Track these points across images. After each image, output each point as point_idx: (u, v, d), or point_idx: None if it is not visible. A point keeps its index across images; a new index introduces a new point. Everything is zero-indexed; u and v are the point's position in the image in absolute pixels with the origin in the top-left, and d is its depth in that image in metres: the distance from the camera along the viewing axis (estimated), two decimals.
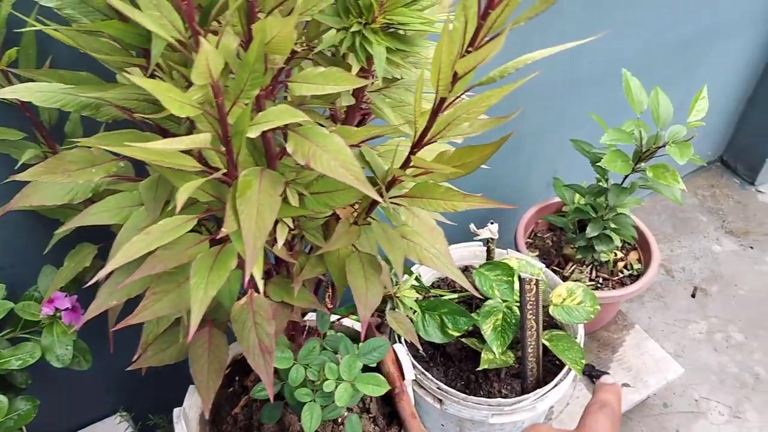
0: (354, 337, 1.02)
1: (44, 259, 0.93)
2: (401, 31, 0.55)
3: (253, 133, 0.50)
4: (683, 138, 1.07)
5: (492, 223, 1.09)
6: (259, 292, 0.70)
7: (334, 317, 1.09)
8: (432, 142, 0.56)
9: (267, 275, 0.78)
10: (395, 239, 0.65)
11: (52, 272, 0.92)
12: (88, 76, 0.67)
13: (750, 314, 1.73)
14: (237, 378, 1.11)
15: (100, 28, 0.54)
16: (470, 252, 1.30)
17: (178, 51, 0.49)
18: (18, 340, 0.89)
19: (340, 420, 0.95)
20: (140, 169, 0.73)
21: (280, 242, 0.66)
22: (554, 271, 1.41)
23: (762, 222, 1.99)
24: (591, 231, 1.25)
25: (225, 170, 0.57)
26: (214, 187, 0.61)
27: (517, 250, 1.35)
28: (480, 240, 1.11)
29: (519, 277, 0.94)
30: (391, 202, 0.64)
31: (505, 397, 1.12)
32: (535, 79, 1.50)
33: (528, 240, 1.49)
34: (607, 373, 1.44)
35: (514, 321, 1.06)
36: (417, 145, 0.57)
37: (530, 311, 1.00)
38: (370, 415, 1.05)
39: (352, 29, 0.53)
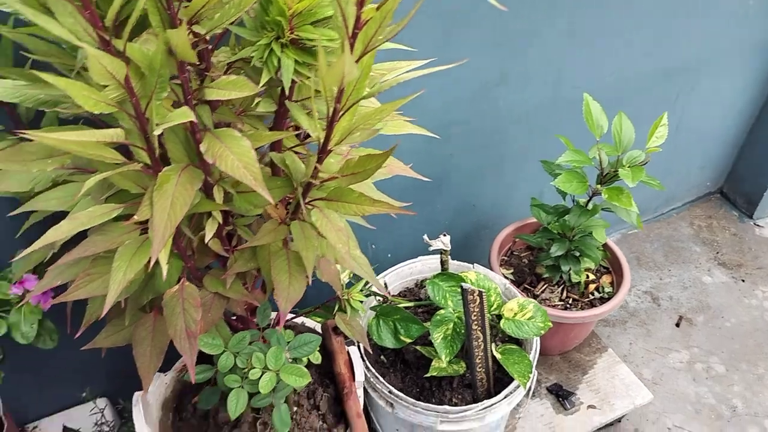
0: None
1: (18, 243, 1.01)
2: (309, 46, 0.61)
3: (158, 131, 0.56)
4: (640, 162, 1.09)
5: (444, 235, 1.13)
6: (192, 282, 0.76)
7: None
8: (331, 151, 0.61)
9: (207, 268, 0.83)
10: (311, 238, 0.70)
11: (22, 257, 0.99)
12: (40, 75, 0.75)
13: (734, 347, 1.72)
14: None
15: (31, 31, 0.61)
16: (435, 266, 1.33)
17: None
18: None
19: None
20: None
21: (209, 235, 0.71)
22: (526, 289, 1.44)
23: (757, 256, 1.98)
24: (555, 250, 1.28)
25: (149, 164, 0.64)
26: (143, 180, 0.68)
27: (490, 267, 1.38)
28: (434, 251, 1.15)
29: (461, 287, 0.98)
30: (308, 204, 0.69)
31: (455, 405, 1.15)
32: (518, 102, 1.54)
33: (504, 258, 1.52)
34: (574, 394, 1.46)
35: (463, 332, 1.09)
36: (322, 151, 0.62)
37: (475, 322, 1.03)
38: (320, 413, 1.10)
39: (262, 42, 0.59)
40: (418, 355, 1.22)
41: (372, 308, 1.10)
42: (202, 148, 0.61)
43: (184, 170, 0.64)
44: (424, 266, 1.34)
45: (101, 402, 1.33)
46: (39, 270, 0.98)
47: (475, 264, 1.30)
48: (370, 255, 1.47)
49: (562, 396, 1.45)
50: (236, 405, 0.79)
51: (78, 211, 0.73)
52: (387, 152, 0.59)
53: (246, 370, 0.79)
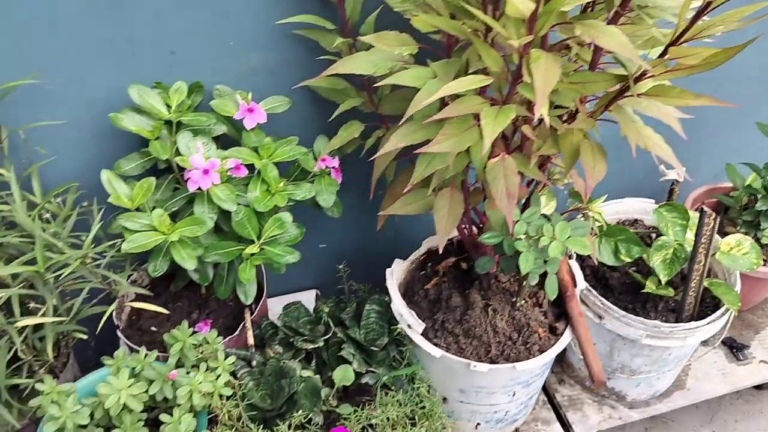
0: None
1: (316, 130, 1.21)
2: None
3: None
4: None
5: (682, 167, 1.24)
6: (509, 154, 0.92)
7: None
8: (687, 41, 0.75)
9: (507, 151, 0.99)
10: (630, 125, 0.85)
11: (323, 140, 1.19)
12: None
13: None
14: (429, 264, 1.35)
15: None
16: (641, 207, 1.45)
17: None
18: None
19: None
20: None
21: (547, 119, 0.86)
22: None
23: None
24: (761, 205, 1.37)
25: (517, 44, 0.79)
26: (503, 63, 0.84)
27: None
28: (668, 180, 1.27)
29: (701, 209, 1.09)
30: (637, 95, 0.83)
31: None
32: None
33: None
34: (748, 347, 1.54)
35: (683, 257, 1.21)
36: (676, 41, 0.76)
37: (703, 245, 1.15)
38: (542, 310, 1.25)
39: None
40: (621, 281, 1.35)
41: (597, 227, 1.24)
42: (577, 31, 0.76)
43: (547, 53, 0.80)
44: (627, 207, 1.47)
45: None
46: (332, 153, 1.18)
47: None
48: None
49: (735, 348, 1.54)
50: (526, 263, 0.95)
51: (427, 89, 0.90)
52: (740, 46, 0.72)
53: (535, 237, 0.95)
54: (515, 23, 0.76)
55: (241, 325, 1.25)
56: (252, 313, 1.28)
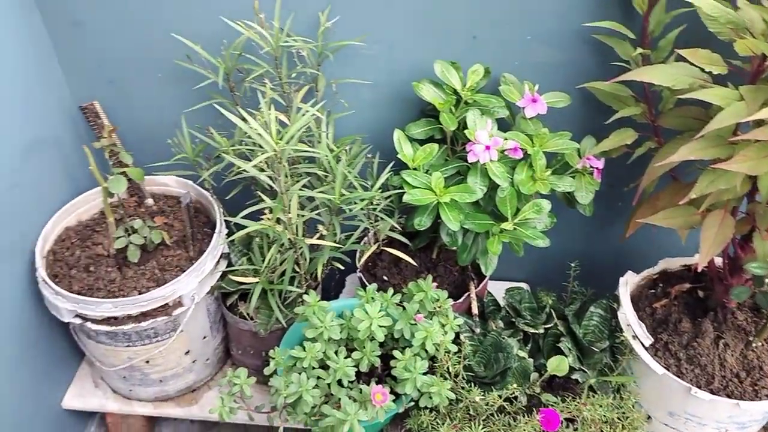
0: None
1: (584, 129, 1.27)
2: None
3: None
4: None
5: None
6: None
7: None
8: None
9: None
10: None
11: (591, 140, 1.24)
12: None
13: None
14: (661, 285, 1.35)
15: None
16: None
17: None
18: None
19: None
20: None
21: None
22: None
23: None
24: None
25: None
26: None
27: None
28: None
29: None
30: None
31: None
32: None
33: None
34: None
35: None
36: None
37: None
38: None
39: None
40: None
41: None
42: None
43: None
44: None
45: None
46: (598, 155, 1.22)
47: None
48: None
49: None
50: None
51: (732, 111, 0.92)
52: None
53: None
54: None
55: (466, 294, 1.35)
56: (476, 287, 1.38)
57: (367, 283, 1.34)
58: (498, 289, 1.42)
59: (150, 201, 1.38)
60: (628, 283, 1.28)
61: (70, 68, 1.32)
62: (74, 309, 1.16)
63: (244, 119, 0.99)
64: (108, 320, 1.17)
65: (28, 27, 1.22)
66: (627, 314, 1.22)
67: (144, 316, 1.18)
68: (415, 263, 1.31)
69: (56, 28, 1.27)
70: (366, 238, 1.39)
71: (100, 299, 1.15)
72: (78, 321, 1.18)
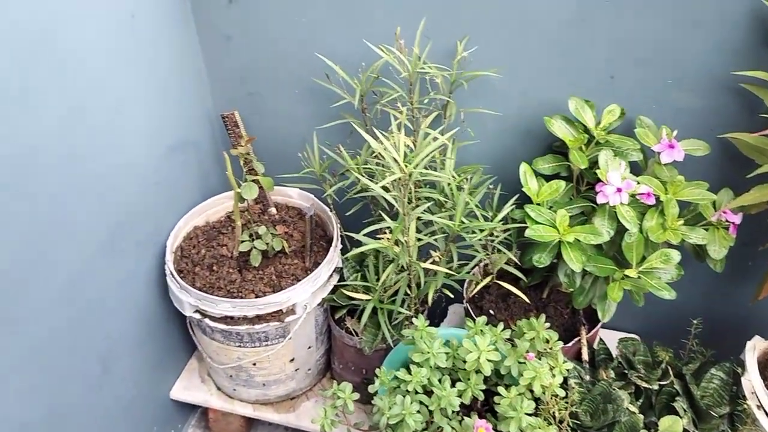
0: None
1: (722, 181, 1.20)
2: None
3: None
4: None
5: None
6: None
7: None
8: None
9: None
10: None
11: (728, 193, 1.18)
12: None
13: None
14: None
15: None
16: None
17: None
18: None
19: None
20: None
21: None
22: None
23: None
24: None
25: None
26: None
27: None
28: None
29: None
30: None
31: None
32: None
33: None
34: None
35: None
36: None
37: None
38: None
39: None
40: None
41: None
42: None
43: None
44: None
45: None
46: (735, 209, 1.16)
47: None
48: None
49: None
50: None
51: None
52: None
53: None
54: None
55: (576, 339, 1.30)
56: (587, 332, 1.33)
57: (473, 314, 1.33)
58: (607, 338, 1.37)
59: (273, 210, 1.44)
60: (756, 348, 1.19)
61: (216, 79, 1.41)
62: (196, 304, 1.22)
63: (378, 140, 1.01)
64: (225, 319, 1.22)
65: (184, 38, 1.32)
66: (753, 381, 1.14)
67: (258, 319, 1.22)
68: (527, 300, 1.29)
69: (208, 41, 1.36)
70: (475, 270, 1.38)
71: (220, 298, 1.21)
72: (197, 316, 1.24)
